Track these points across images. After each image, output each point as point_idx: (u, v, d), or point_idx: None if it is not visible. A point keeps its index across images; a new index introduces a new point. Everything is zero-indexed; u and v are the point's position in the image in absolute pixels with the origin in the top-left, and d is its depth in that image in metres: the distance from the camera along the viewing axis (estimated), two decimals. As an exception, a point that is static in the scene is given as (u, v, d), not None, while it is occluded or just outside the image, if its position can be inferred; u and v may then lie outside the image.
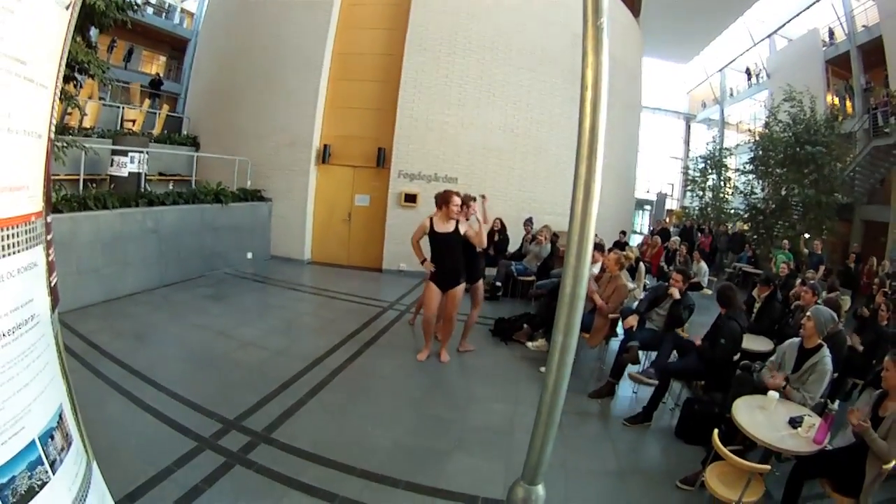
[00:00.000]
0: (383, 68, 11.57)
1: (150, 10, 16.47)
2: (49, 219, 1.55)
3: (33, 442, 1.33)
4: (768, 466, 3.32)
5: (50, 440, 1.40)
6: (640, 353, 5.91)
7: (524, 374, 6.24)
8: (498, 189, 11.76)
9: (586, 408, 5.44)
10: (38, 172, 1.42)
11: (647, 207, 30.20)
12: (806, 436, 3.61)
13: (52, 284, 1.55)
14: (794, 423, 3.73)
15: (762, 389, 4.29)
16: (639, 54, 17.44)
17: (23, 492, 1.26)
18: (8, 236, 1.24)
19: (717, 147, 21.98)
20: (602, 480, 4.15)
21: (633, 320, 6.02)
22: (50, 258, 1.54)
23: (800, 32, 22.03)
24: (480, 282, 6.74)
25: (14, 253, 1.27)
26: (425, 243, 6.14)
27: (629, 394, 5.89)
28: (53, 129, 1.54)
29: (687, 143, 32.81)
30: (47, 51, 1.39)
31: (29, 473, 1.30)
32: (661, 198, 29.05)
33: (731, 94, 28.92)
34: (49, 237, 1.55)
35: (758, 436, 3.63)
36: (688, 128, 33.47)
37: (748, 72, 26.95)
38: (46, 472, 1.37)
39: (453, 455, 4.28)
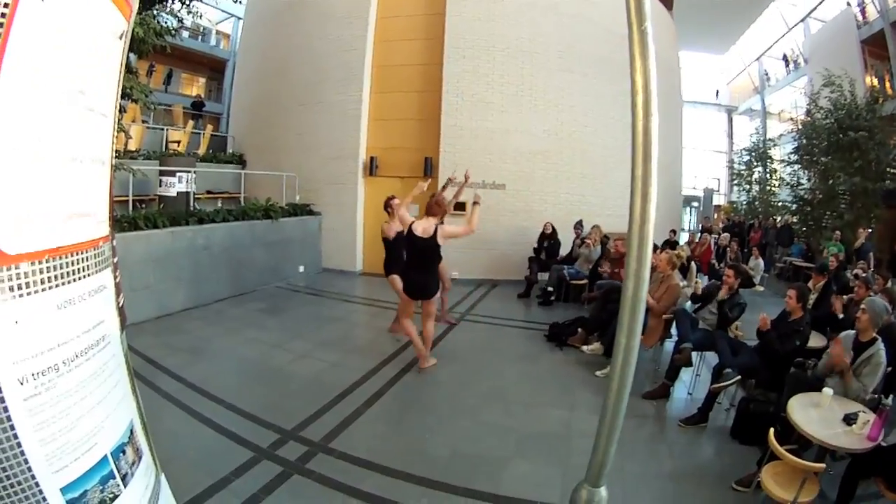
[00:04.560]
0: (424, 78, 11.64)
1: (185, 33, 16.92)
2: (114, 242, 1.61)
3: (106, 457, 1.37)
4: (823, 465, 3.24)
5: (122, 455, 1.45)
6: (694, 354, 5.79)
7: (580, 379, 6.16)
8: (547, 193, 11.82)
9: (642, 410, 5.35)
10: (104, 198, 1.48)
11: (695, 204, 29.55)
12: (860, 433, 3.50)
13: (120, 305, 1.61)
14: (849, 419, 3.61)
15: (817, 387, 4.18)
16: (675, 48, 17.21)
17: (94, 505, 1.31)
18: (79, 260, 1.29)
19: (761, 138, 21.43)
20: (658, 483, 4.08)
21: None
22: (117, 280, 1.60)
23: (832, 14, 21.33)
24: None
25: (85, 276, 1.32)
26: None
27: (684, 395, 5.78)
28: (114, 155, 1.59)
29: (730, 135, 32.03)
30: (105, 80, 1.45)
31: (101, 487, 1.34)
32: (709, 193, 28.46)
33: (770, 83, 28.14)
34: (115, 260, 1.61)
35: (812, 433, 3.53)
36: (730, 120, 32.68)
37: (785, 58, 26.22)
38: (118, 485, 1.42)
39: (511, 461, 4.26)
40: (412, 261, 6.05)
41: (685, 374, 5.98)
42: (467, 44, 11.33)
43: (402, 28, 11.84)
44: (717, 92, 32.32)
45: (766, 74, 28.46)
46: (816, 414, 3.80)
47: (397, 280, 6.63)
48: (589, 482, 1.57)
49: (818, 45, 22.04)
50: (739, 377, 5.07)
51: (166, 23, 8.00)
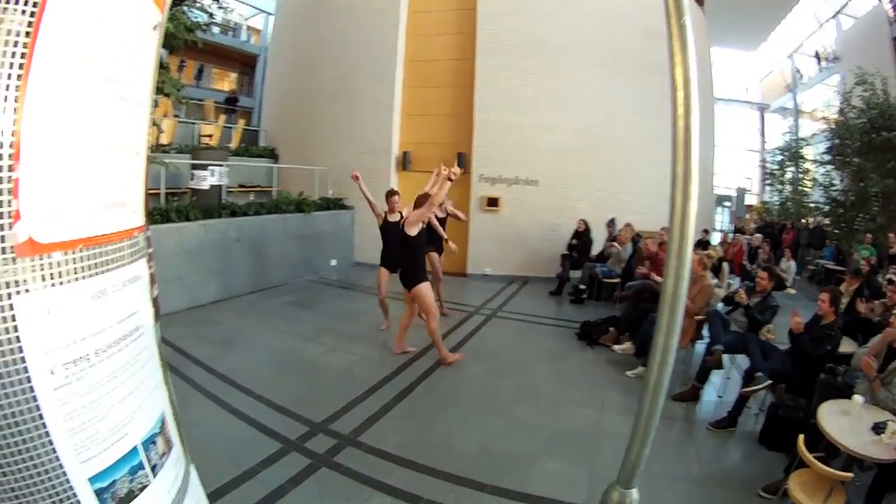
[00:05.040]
0: (456, 73, 11.70)
1: (216, 29, 17.09)
2: (149, 232, 1.61)
3: (136, 448, 1.37)
4: (851, 475, 3.18)
5: (152, 445, 1.45)
6: (725, 356, 5.70)
7: (610, 379, 6.11)
8: (580, 190, 11.79)
9: (671, 412, 5.29)
10: (138, 188, 1.48)
11: (727, 203, 29.11)
12: (888, 442, 3.41)
13: (154, 296, 1.61)
14: (878, 429, 3.52)
15: (847, 393, 4.11)
16: (706, 44, 16.93)
17: (122, 495, 1.30)
18: (113, 250, 1.29)
19: (793, 137, 20.97)
20: (685, 486, 4.04)
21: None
22: (151, 270, 1.61)
23: (864, 10, 20.77)
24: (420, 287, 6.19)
25: (119, 266, 1.32)
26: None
27: (714, 398, 5.69)
28: (148, 146, 1.60)
29: (762, 134, 31.41)
30: (140, 71, 1.44)
31: (130, 478, 1.34)
32: (741, 193, 28.03)
33: (802, 80, 27.43)
34: (150, 250, 1.61)
35: (841, 442, 3.46)
36: (762, 118, 32.03)
37: (817, 56, 25.58)
38: (147, 476, 1.41)
39: (539, 459, 4.25)
40: (399, 251, 6.38)
41: (715, 377, 5.91)
42: (498, 39, 11.31)
43: (434, 23, 11.87)
44: (747, 88, 31.72)
45: (798, 72, 27.79)
46: (846, 422, 3.73)
47: (380, 272, 7.25)
48: (621, 483, 1.54)
49: (850, 42, 21.52)
50: (770, 381, 4.98)
51: (196, 18, 8.10)
